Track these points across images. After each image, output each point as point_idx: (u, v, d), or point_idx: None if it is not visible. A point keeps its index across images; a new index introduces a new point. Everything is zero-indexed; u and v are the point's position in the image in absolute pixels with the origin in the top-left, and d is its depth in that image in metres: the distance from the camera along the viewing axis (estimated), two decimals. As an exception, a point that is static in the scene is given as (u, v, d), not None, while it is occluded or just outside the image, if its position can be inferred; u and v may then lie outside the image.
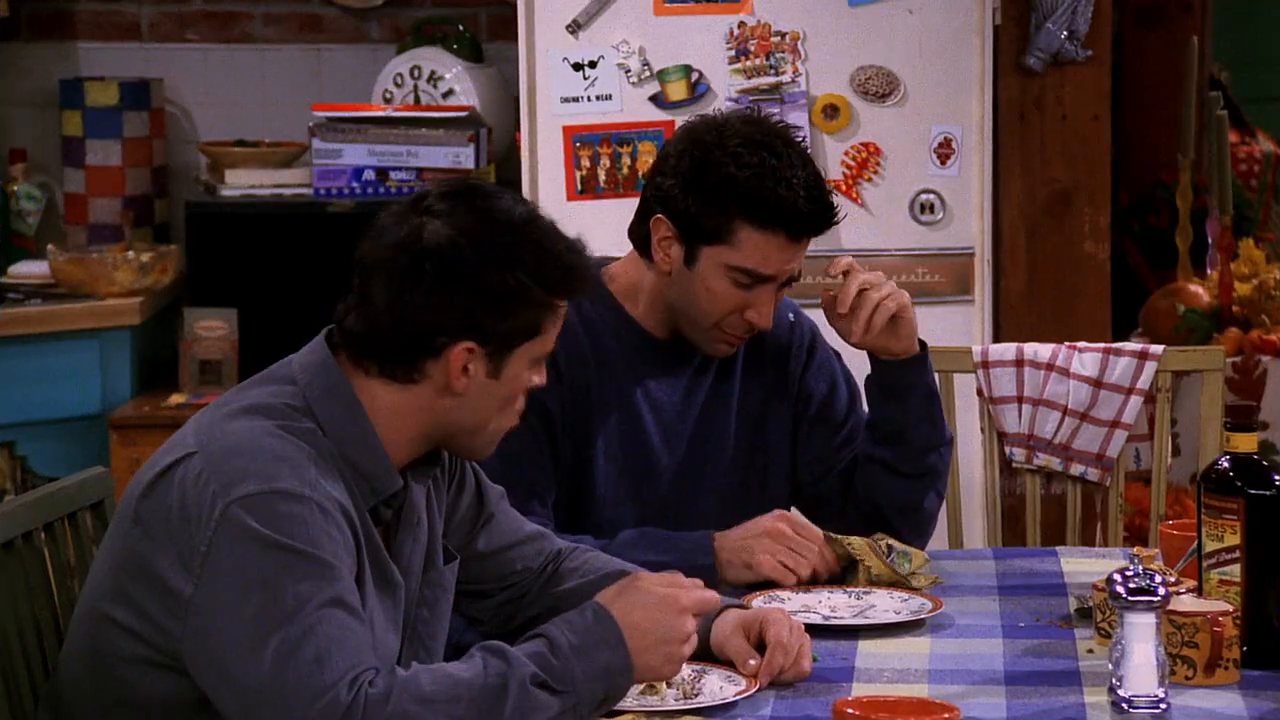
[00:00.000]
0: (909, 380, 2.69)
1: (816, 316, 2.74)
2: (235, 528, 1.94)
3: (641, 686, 2.12)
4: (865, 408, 2.75)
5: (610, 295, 2.67)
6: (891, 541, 2.55)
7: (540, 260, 2.08)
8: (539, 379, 2.14)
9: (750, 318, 2.59)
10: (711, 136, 2.58)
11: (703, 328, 2.62)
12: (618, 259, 2.71)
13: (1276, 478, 2.25)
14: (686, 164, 2.57)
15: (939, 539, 3.26)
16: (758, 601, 2.42)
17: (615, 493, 2.63)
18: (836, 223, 2.61)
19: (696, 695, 2.13)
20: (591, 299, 2.63)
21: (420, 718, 1.89)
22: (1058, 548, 2.81)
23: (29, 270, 4.28)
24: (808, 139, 2.64)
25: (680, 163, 2.58)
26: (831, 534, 2.56)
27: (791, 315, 2.78)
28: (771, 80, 3.86)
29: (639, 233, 2.64)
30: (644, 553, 2.50)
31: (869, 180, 3.88)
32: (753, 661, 2.17)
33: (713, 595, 2.06)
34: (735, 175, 2.54)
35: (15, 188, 4.45)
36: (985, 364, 3.17)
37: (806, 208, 2.54)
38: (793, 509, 2.68)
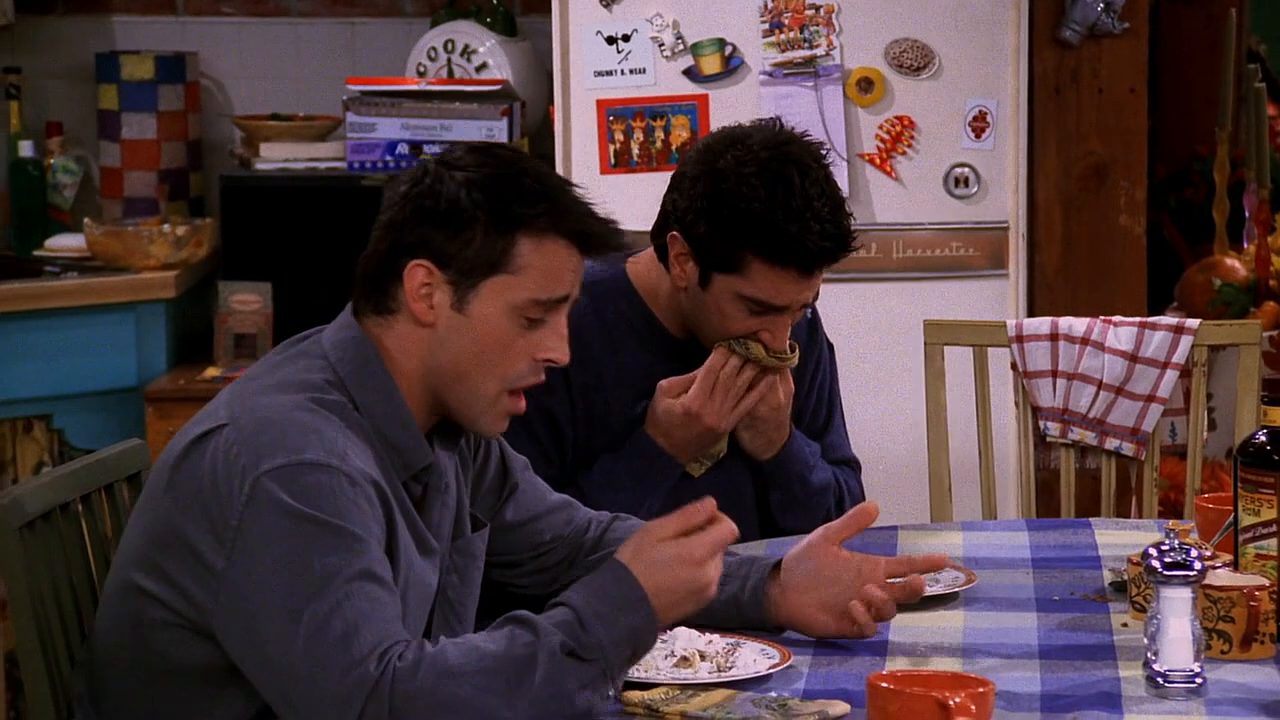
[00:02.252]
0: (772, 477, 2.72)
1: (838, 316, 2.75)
2: (265, 501, 1.94)
3: (675, 659, 2.12)
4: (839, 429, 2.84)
5: (633, 289, 2.67)
6: (745, 341, 2.60)
7: (501, 186, 2.03)
8: (555, 354, 2.06)
9: (764, 339, 2.59)
10: (728, 161, 2.53)
11: (713, 340, 2.62)
12: (645, 234, 2.70)
13: (1313, 452, 2.24)
14: (701, 190, 2.54)
15: (973, 512, 3.27)
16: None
17: None
18: (855, 251, 2.58)
19: (730, 668, 2.13)
20: (612, 293, 2.63)
21: (449, 690, 1.89)
22: (1092, 519, 2.81)
23: (65, 243, 4.30)
24: (831, 160, 2.59)
25: (695, 187, 2.55)
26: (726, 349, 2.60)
27: (809, 315, 2.79)
28: (806, 54, 3.85)
29: (658, 242, 2.63)
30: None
31: (903, 154, 3.86)
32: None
33: (729, 528, 2.02)
34: (749, 210, 2.50)
35: (51, 161, 4.47)
36: (1020, 338, 3.17)
37: (819, 244, 2.51)
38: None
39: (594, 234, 2.07)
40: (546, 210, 2.04)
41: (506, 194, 2.04)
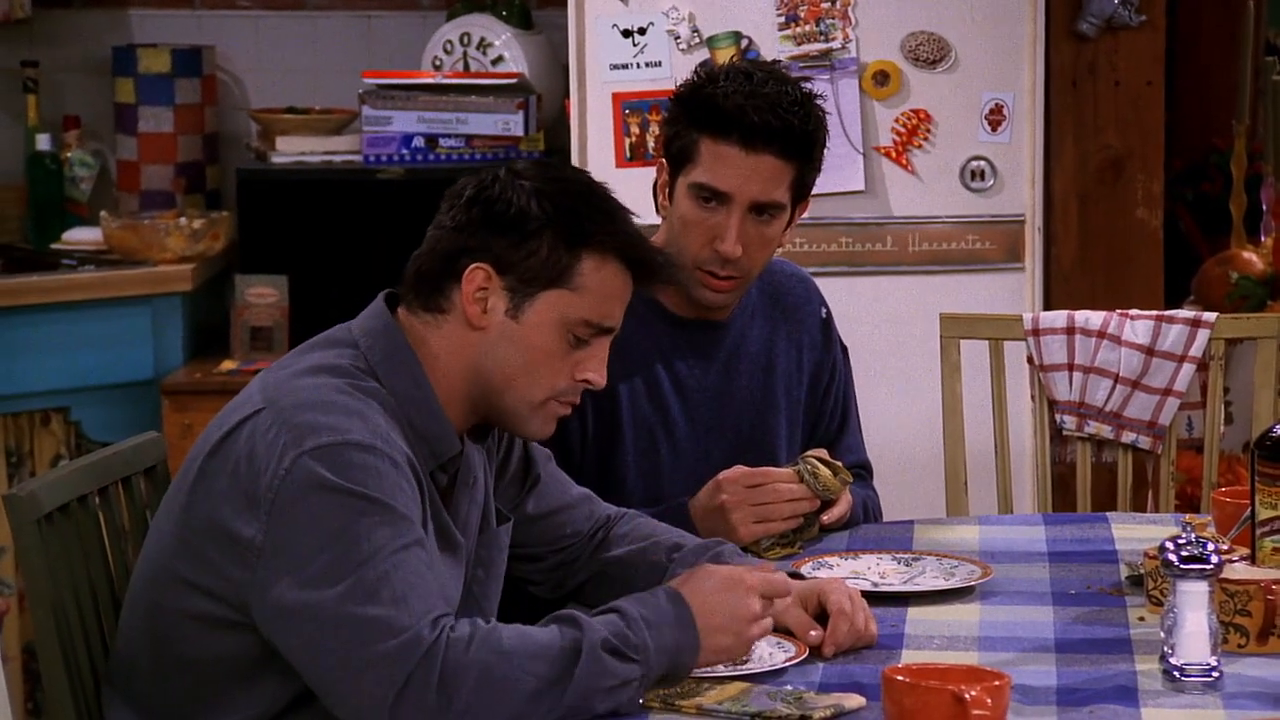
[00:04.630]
0: None
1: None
2: (307, 478, 1.95)
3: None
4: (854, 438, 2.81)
5: None
6: (815, 463, 2.57)
7: (572, 200, 2.07)
8: (592, 376, 2.09)
9: (717, 246, 2.58)
10: (704, 71, 2.64)
11: (685, 269, 2.60)
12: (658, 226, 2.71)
13: (1331, 446, 2.23)
14: (675, 105, 2.64)
15: (988, 506, 3.26)
16: (806, 568, 2.43)
17: (643, 481, 2.64)
18: (808, 138, 2.58)
19: (746, 661, 2.13)
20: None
21: (499, 668, 1.90)
22: (1108, 514, 2.80)
23: (82, 237, 4.31)
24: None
25: (672, 106, 2.65)
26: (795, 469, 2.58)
27: (824, 316, 2.79)
28: (821, 47, 3.85)
29: (654, 193, 2.68)
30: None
31: (919, 147, 3.86)
32: (814, 633, 2.16)
33: (783, 581, 2.07)
34: (702, 94, 2.58)
35: (69, 155, 4.47)
36: (1036, 331, 3.16)
37: (758, 117, 2.54)
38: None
39: (653, 265, 2.11)
40: (613, 232, 2.08)
41: (577, 209, 2.07)
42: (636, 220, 2.15)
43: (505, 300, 2.06)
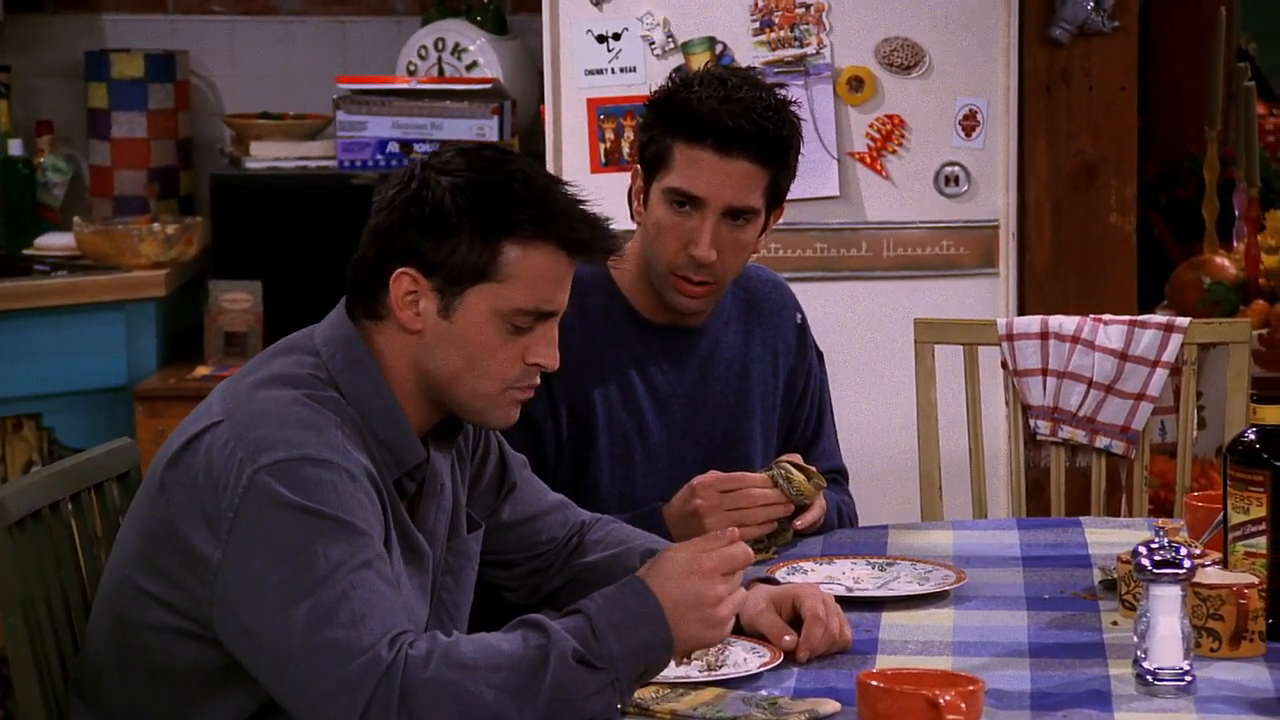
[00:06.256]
0: None
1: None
2: (263, 494, 1.94)
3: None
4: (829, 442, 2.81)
5: (614, 283, 2.67)
6: (789, 467, 2.57)
7: (487, 191, 2.01)
8: (543, 360, 2.05)
9: (691, 251, 2.58)
10: (678, 76, 2.65)
11: (659, 274, 2.61)
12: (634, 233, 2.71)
13: (1303, 450, 2.24)
14: (649, 111, 2.64)
15: (963, 511, 3.27)
16: (781, 573, 2.43)
17: (618, 487, 2.64)
18: (782, 144, 2.59)
19: (721, 667, 2.13)
20: (593, 288, 2.62)
21: (459, 683, 1.88)
22: (1082, 518, 2.81)
23: (55, 242, 4.29)
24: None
25: (645, 113, 2.64)
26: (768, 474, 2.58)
27: (799, 321, 2.79)
28: (796, 52, 3.85)
29: (629, 198, 2.68)
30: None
31: (893, 153, 3.87)
32: (789, 638, 2.16)
33: (742, 549, 2.00)
34: (676, 98, 2.58)
35: (41, 160, 4.46)
36: (1010, 336, 3.17)
37: (732, 122, 2.54)
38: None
39: (583, 240, 2.05)
40: (533, 216, 2.03)
41: (492, 199, 2.02)
42: (613, 224, 2.12)
43: (435, 301, 2.03)
